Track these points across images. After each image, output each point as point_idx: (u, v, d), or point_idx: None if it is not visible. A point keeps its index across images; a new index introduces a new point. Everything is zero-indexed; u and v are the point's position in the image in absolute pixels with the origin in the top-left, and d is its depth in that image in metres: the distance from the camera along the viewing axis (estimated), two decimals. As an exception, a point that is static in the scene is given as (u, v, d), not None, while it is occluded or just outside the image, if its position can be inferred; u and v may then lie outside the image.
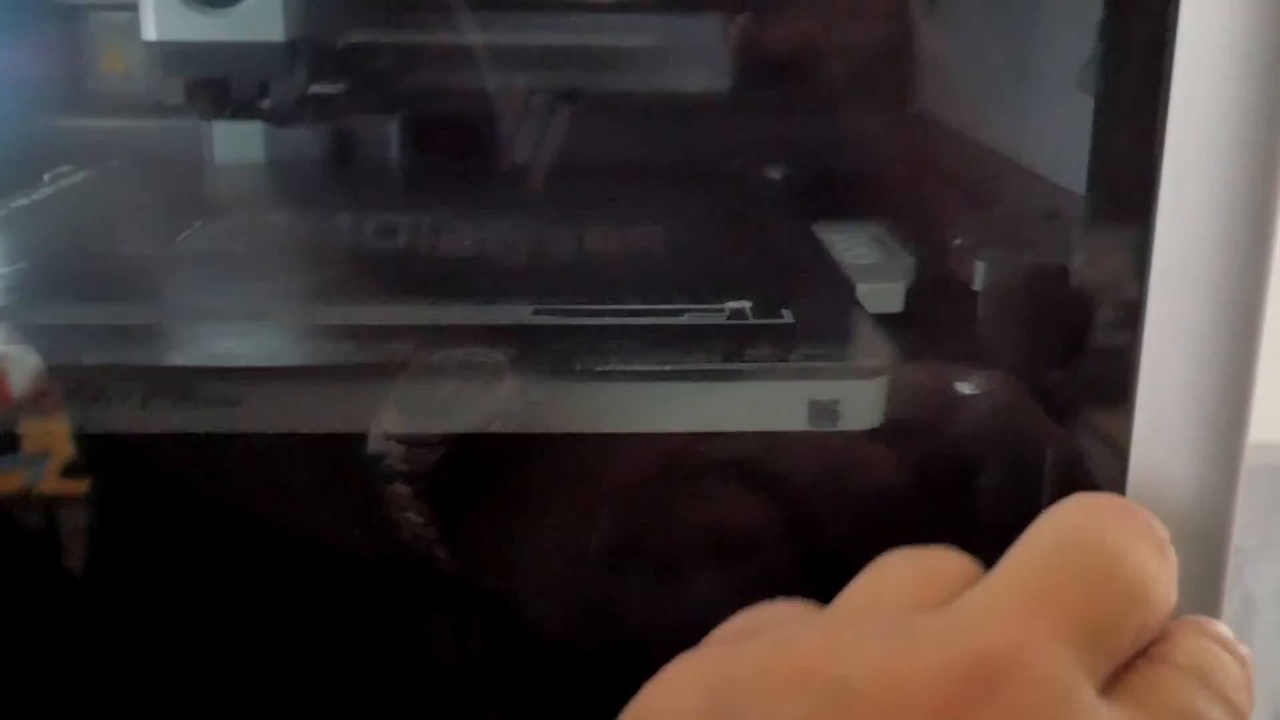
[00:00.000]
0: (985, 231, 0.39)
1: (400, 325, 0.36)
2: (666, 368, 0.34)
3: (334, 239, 0.46)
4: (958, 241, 0.38)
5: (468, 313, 0.37)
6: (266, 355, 0.34)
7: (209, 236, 0.46)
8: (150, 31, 0.56)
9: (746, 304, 0.39)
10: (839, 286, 0.42)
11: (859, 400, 0.35)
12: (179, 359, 0.34)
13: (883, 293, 0.42)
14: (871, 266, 0.44)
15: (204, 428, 0.34)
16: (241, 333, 0.36)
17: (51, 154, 0.60)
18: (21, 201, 0.52)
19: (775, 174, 0.60)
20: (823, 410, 0.35)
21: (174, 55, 0.57)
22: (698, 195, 0.57)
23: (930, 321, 0.41)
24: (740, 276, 0.43)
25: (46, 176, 0.57)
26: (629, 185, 0.58)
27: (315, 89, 0.61)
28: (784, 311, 0.38)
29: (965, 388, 0.36)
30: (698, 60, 0.69)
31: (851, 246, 0.46)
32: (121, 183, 0.57)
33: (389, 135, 0.62)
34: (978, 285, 0.36)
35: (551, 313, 0.37)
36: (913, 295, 0.42)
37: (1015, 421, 0.36)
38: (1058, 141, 0.43)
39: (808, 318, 0.37)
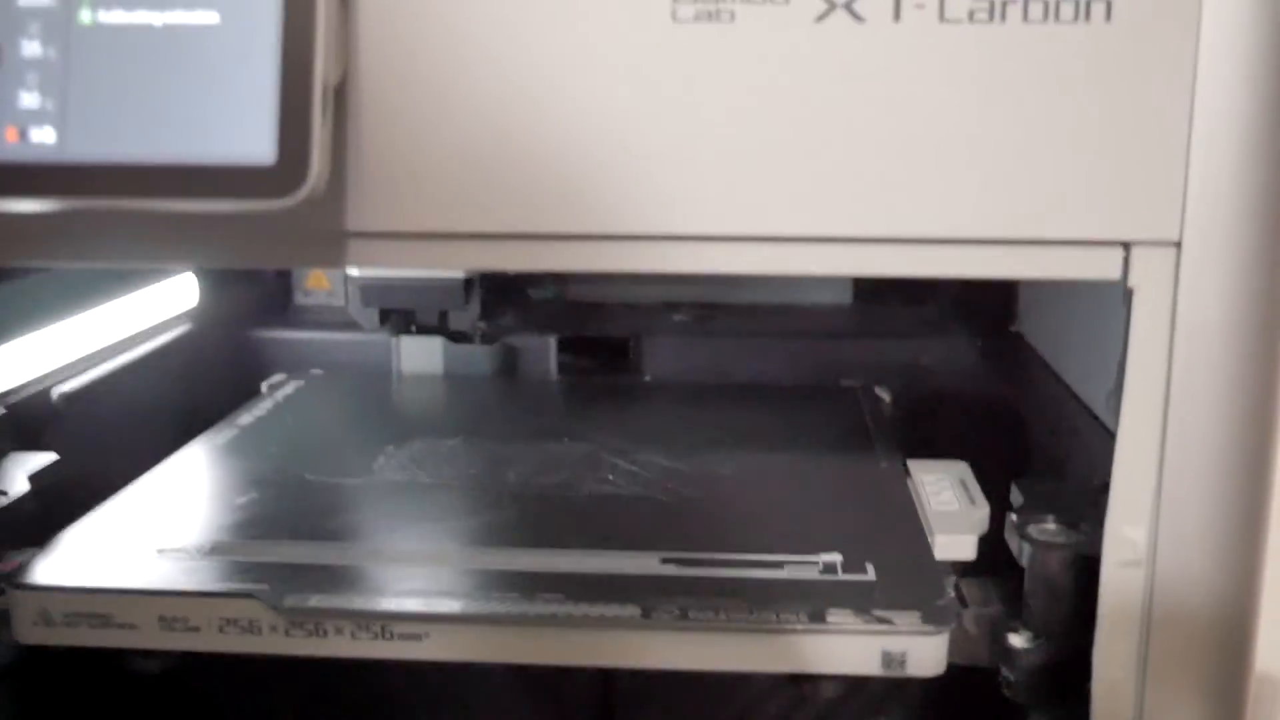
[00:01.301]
0: (1041, 500, 0.46)
1: (551, 574, 0.45)
2: (763, 624, 0.42)
3: (500, 471, 0.56)
4: (1012, 516, 0.45)
5: (605, 562, 0.46)
6: (441, 600, 0.43)
7: (398, 465, 0.56)
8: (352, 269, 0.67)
9: (838, 558, 0.46)
10: (921, 535, 0.49)
11: (925, 652, 0.43)
12: (379, 600, 0.43)
13: (957, 544, 0.49)
14: (952, 515, 0.51)
15: (396, 655, 0.43)
16: (422, 575, 0.45)
17: (265, 363, 0.71)
18: (246, 419, 0.62)
19: (884, 394, 0.68)
20: (893, 660, 0.43)
21: (370, 289, 0.68)
22: (807, 412, 0.65)
23: (995, 570, 0.48)
24: (834, 524, 0.50)
25: (265, 386, 0.68)
26: (746, 405, 0.66)
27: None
28: (868, 566, 0.46)
29: (1018, 641, 0.44)
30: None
31: (939, 490, 0.54)
32: (326, 393, 0.68)
33: (548, 352, 0.71)
34: (1023, 562, 0.44)
35: (678, 563, 0.46)
36: (985, 543, 0.49)
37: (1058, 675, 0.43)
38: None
39: (888, 573, 0.45)
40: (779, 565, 0.46)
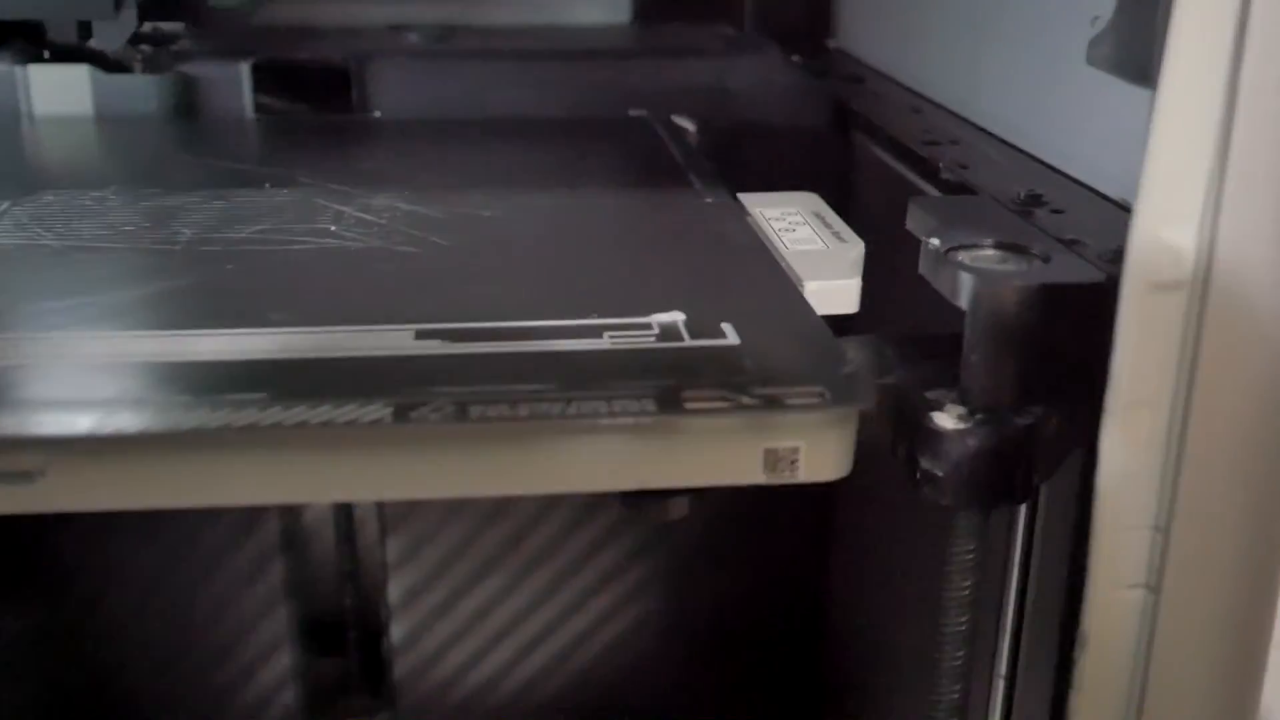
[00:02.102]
0: (954, 221, 0.32)
1: (248, 361, 0.28)
2: (595, 417, 0.27)
3: (168, 226, 0.38)
4: (932, 242, 0.31)
5: (336, 340, 0.30)
6: (65, 413, 0.26)
7: (14, 226, 0.38)
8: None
9: (679, 317, 0.31)
10: (783, 284, 0.35)
11: (826, 446, 0.28)
12: None
13: (835, 293, 0.35)
14: (818, 255, 0.37)
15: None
16: (43, 377, 0.28)
17: None
18: None
19: (688, 124, 0.53)
20: (780, 461, 0.28)
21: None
22: (593, 154, 0.49)
23: (891, 326, 0.34)
24: (663, 276, 0.35)
25: None
26: (509, 142, 0.50)
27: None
28: (724, 327, 0.31)
29: (947, 420, 0.30)
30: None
31: (791, 228, 0.39)
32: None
33: (239, 84, 0.53)
34: (961, 303, 0.29)
35: (443, 338, 0.30)
36: (869, 293, 0.36)
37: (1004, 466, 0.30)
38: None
39: (752, 336, 0.30)
40: (595, 332, 0.30)
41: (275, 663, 0.61)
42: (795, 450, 0.28)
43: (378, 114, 0.54)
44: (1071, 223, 0.33)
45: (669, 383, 0.28)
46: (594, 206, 0.42)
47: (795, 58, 0.57)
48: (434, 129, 0.52)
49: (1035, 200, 0.34)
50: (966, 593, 0.32)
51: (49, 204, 0.40)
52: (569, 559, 0.61)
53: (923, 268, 0.31)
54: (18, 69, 0.51)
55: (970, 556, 0.32)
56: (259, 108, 0.53)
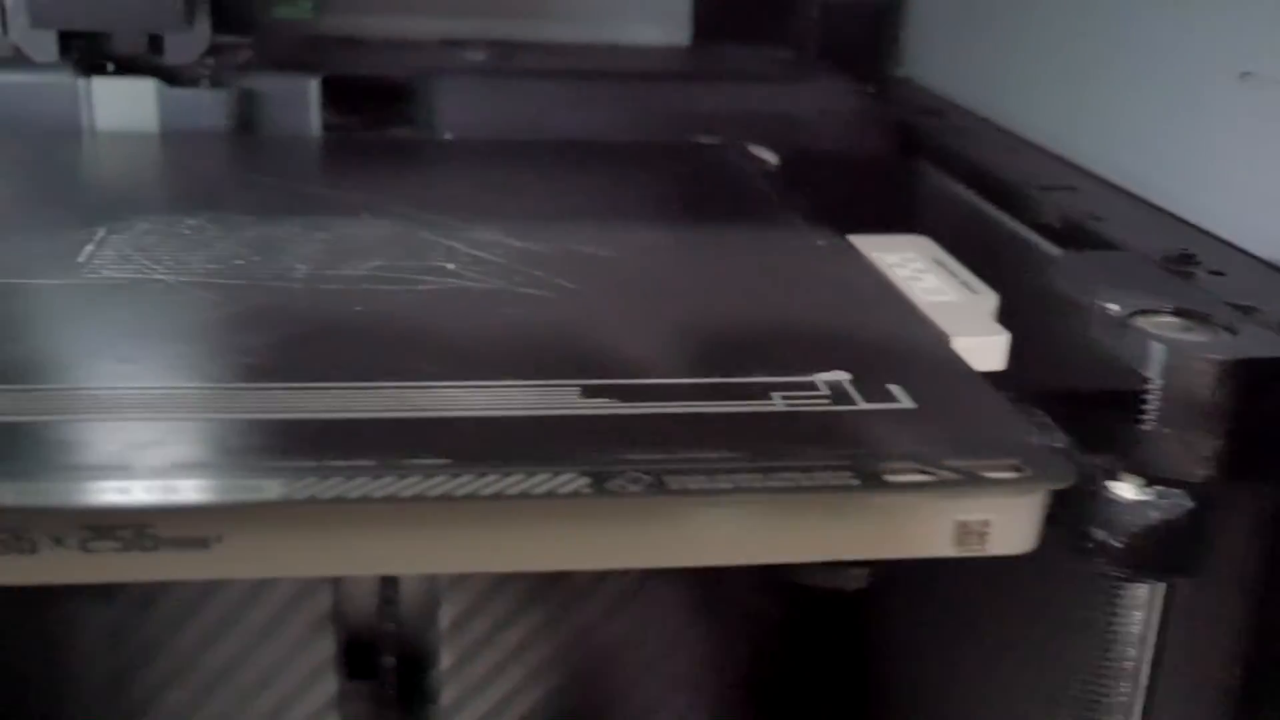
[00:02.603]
0: (1112, 280, 0.32)
1: (411, 422, 0.27)
2: (796, 491, 0.26)
3: (278, 260, 0.37)
4: (1109, 306, 0.30)
5: (501, 397, 0.29)
6: (238, 480, 0.25)
7: (119, 257, 0.36)
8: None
9: (843, 377, 0.30)
10: (929, 337, 0.34)
11: (1016, 519, 0.27)
12: (132, 487, 0.24)
13: (984, 349, 0.34)
14: (956, 307, 0.36)
15: (158, 575, 0.25)
16: (191, 436, 0.27)
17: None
18: None
19: (768, 155, 0.52)
20: (970, 534, 0.27)
21: (45, 3, 0.46)
22: (677, 184, 0.48)
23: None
24: (802, 325, 0.34)
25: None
26: (586, 168, 0.49)
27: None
28: (894, 388, 0.30)
29: (1126, 490, 0.29)
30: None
31: (915, 276, 0.38)
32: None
33: (307, 100, 0.51)
34: (1150, 372, 0.29)
35: (612, 395, 0.29)
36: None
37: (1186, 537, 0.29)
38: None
39: (926, 397, 0.30)
40: (762, 393, 0.29)
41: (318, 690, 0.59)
42: (986, 523, 0.27)
43: (448, 135, 0.52)
44: (1238, 287, 0.32)
45: (862, 452, 0.27)
46: (703, 244, 0.41)
47: (868, 86, 0.56)
48: (505, 151, 0.51)
49: (1187, 259, 0.34)
50: (1130, 664, 0.31)
51: (146, 232, 0.38)
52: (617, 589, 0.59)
53: (1096, 331, 0.30)
54: (81, 81, 0.49)
55: (1137, 628, 0.31)
56: (325, 124, 0.52)
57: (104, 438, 0.26)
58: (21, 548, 0.24)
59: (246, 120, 0.51)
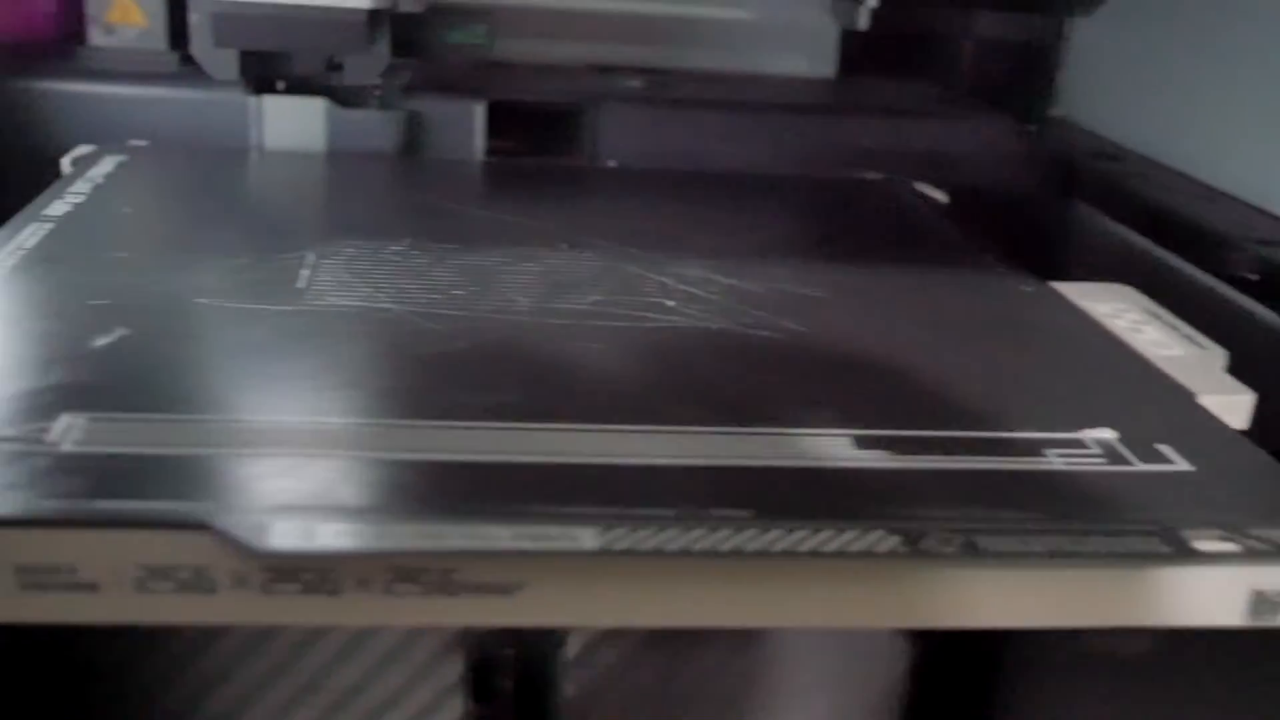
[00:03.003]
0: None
1: (697, 467, 0.27)
2: (1109, 556, 0.25)
3: (497, 292, 0.36)
4: None
5: (775, 446, 0.28)
6: (545, 526, 0.24)
7: (339, 281, 0.36)
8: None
9: (1111, 435, 0.30)
10: (1173, 392, 0.33)
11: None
12: (440, 529, 0.24)
13: (1231, 408, 0.33)
14: (1192, 363, 0.35)
15: (461, 620, 0.24)
16: (499, 475, 0.26)
17: (47, 132, 0.48)
18: (59, 209, 0.40)
19: (939, 194, 0.51)
20: (1264, 603, 0.27)
21: (229, 21, 0.45)
22: (859, 221, 0.48)
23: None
24: (1042, 377, 0.34)
25: (67, 163, 0.45)
26: (761, 201, 0.48)
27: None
28: (1164, 448, 0.29)
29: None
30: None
31: (1133, 328, 0.38)
32: (165, 174, 0.46)
33: (471, 124, 0.51)
34: None
35: (888, 448, 0.28)
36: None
37: None
38: None
39: (1198, 458, 0.29)
40: (1034, 449, 0.28)
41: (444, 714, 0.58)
42: (1280, 593, 0.27)
43: (611, 163, 0.52)
44: None
45: (1163, 518, 0.26)
46: (911, 288, 0.40)
47: (1028, 126, 0.55)
48: (670, 181, 0.51)
49: None
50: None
51: (355, 257, 0.38)
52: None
53: None
54: (253, 99, 0.49)
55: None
56: (489, 149, 0.51)
57: (395, 476, 0.25)
58: (326, 589, 0.24)
59: (411, 142, 0.51)
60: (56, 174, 0.45)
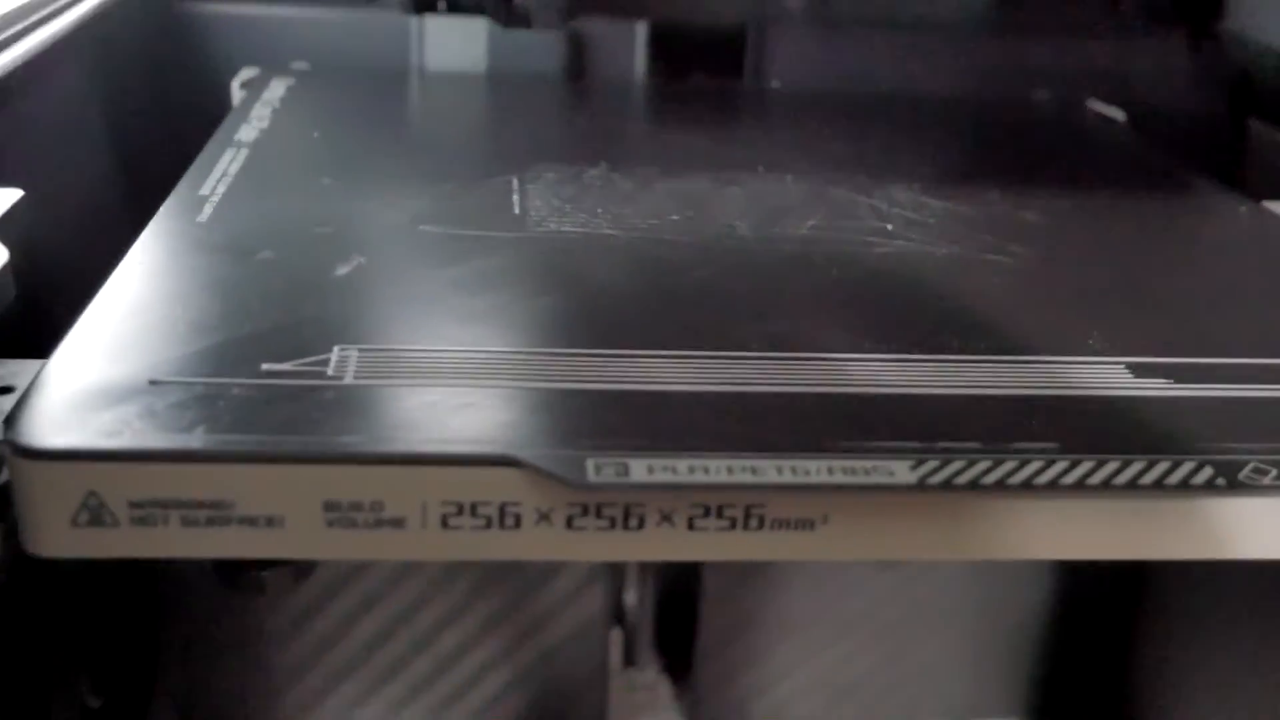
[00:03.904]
0: None
1: (982, 396, 0.26)
2: None
3: (713, 217, 0.35)
4: None
5: (1053, 374, 0.27)
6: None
7: (552, 207, 0.35)
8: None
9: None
10: None
11: None
12: (751, 462, 0.23)
13: None
14: None
15: (759, 555, 0.24)
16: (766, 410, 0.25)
17: (208, 53, 0.47)
18: (249, 134, 0.39)
19: (1116, 113, 0.50)
20: None
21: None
22: (1038, 135, 0.46)
23: None
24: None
25: (236, 86, 0.44)
26: (933, 123, 0.47)
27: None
28: None
29: None
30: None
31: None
32: (339, 99, 0.45)
33: (633, 44, 0.49)
34: None
35: (1157, 374, 0.27)
36: None
37: None
38: None
39: None
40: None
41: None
42: None
43: (776, 84, 0.51)
44: None
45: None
46: (1126, 212, 0.39)
47: (1200, 40, 0.53)
48: (839, 103, 0.50)
49: None
50: None
51: (558, 183, 0.37)
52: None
53: None
54: (414, 19, 0.48)
55: None
56: (652, 69, 0.50)
57: (692, 405, 0.24)
58: (630, 524, 0.23)
59: (572, 63, 0.49)
60: (220, 95, 0.44)
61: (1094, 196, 0.39)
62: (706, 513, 0.23)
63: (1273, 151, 0.50)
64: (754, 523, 0.23)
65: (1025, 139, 0.46)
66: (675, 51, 0.50)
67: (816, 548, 0.24)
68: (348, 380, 0.24)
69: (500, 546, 0.23)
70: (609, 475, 0.22)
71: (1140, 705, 0.54)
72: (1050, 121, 0.48)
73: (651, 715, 0.57)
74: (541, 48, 0.48)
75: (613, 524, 0.23)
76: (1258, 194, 0.44)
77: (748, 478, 0.22)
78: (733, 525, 0.23)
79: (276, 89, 0.44)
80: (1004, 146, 0.45)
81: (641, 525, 0.23)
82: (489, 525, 0.23)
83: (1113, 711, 0.55)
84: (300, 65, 0.47)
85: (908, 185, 0.39)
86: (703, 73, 0.51)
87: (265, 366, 0.25)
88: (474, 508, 0.23)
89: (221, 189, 0.34)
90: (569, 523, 0.23)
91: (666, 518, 0.23)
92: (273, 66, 0.46)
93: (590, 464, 0.22)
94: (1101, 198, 0.39)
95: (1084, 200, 0.39)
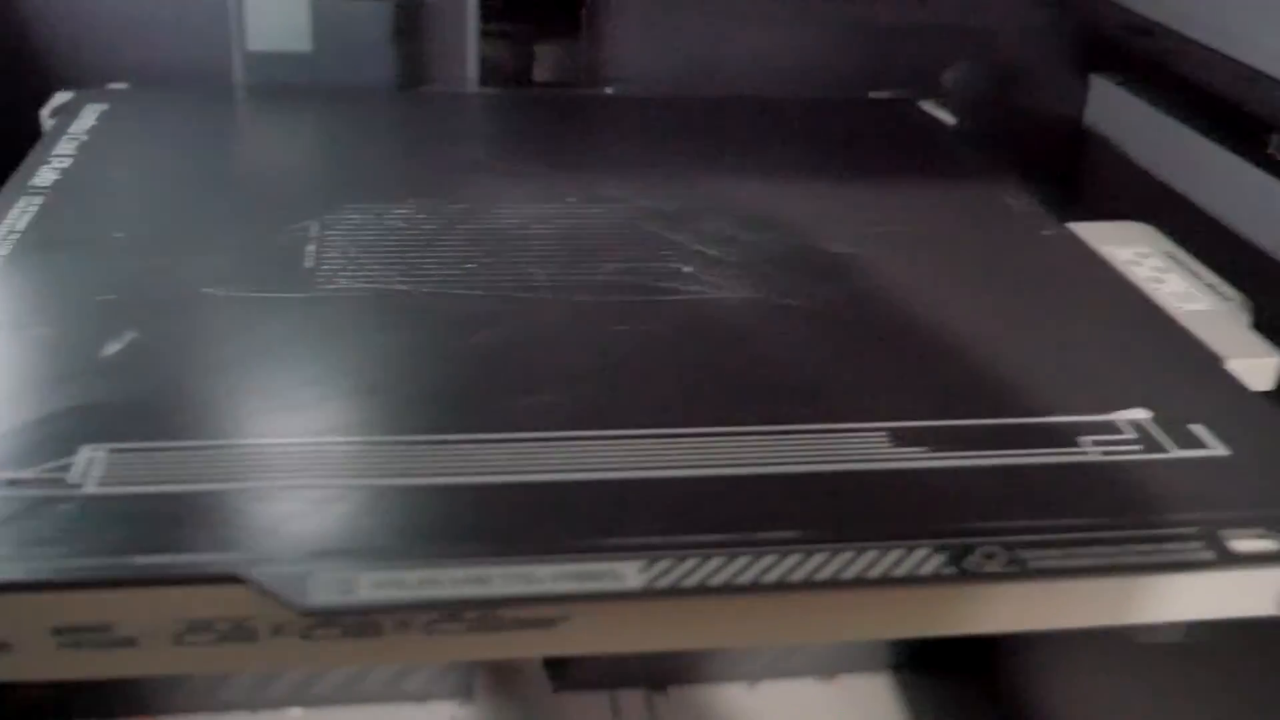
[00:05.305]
0: None
1: (731, 477, 0.26)
2: (1154, 570, 0.25)
3: (512, 264, 0.35)
4: None
5: (812, 447, 0.27)
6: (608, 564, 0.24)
7: (347, 258, 0.35)
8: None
9: (1145, 415, 0.29)
10: (1193, 349, 0.33)
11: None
12: (484, 572, 0.23)
13: (1258, 371, 0.33)
14: (1209, 317, 0.35)
15: (498, 653, 0.24)
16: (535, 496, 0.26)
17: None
18: (45, 178, 0.39)
19: (945, 115, 0.50)
20: (1303, 593, 0.27)
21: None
22: (866, 141, 0.46)
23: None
24: (1064, 340, 0.33)
25: (46, 115, 0.44)
26: (757, 131, 0.47)
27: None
28: (1196, 429, 0.29)
29: None
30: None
31: (1154, 275, 0.37)
32: (152, 127, 0.44)
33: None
34: None
35: (915, 442, 0.28)
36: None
37: None
38: None
39: (1235, 439, 0.29)
40: (1069, 437, 0.28)
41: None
42: (1318, 582, 0.27)
43: (610, 90, 0.51)
44: None
45: (1207, 517, 0.26)
46: (934, 239, 0.39)
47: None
48: (672, 109, 0.49)
49: None
50: None
51: (359, 226, 0.37)
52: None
53: None
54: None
55: None
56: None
57: (433, 502, 0.25)
58: (367, 633, 0.23)
59: (401, 32, 0.48)
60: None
61: (903, 221, 0.40)
62: (444, 618, 0.23)
63: (1136, 117, 0.50)
64: (492, 624, 0.24)
65: (851, 148, 0.46)
66: (509, 18, 0.49)
67: (557, 644, 0.24)
68: (89, 489, 0.24)
69: (236, 660, 0.23)
70: (332, 596, 0.22)
71: (1003, 655, 0.55)
72: (877, 127, 0.48)
73: None
74: (368, 18, 0.47)
75: (349, 632, 0.23)
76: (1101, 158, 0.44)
77: (476, 590, 0.23)
78: (471, 628, 0.24)
79: (87, 118, 0.43)
80: (829, 158, 0.45)
81: (378, 633, 0.23)
82: (223, 640, 0.23)
83: (980, 663, 0.56)
84: (117, 86, 0.46)
85: (719, 213, 0.39)
86: (538, 37, 0.50)
87: (5, 475, 0.24)
88: (207, 624, 0.23)
89: (4, 250, 0.34)
90: (304, 634, 0.23)
91: (404, 625, 0.23)
92: (86, 93, 0.45)
93: (314, 582, 0.22)
94: (910, 222, 0.40)
95: (892, 226, 0.39)
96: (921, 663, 0.61)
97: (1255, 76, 0.41)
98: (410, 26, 0.49)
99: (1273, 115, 0.39)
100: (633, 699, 0.61)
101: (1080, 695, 0.51)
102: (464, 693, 0.59)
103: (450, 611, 0.23)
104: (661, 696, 0.61)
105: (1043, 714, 0.54)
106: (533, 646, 0.24)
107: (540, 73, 0.51)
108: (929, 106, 0.50)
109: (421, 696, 0.60)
